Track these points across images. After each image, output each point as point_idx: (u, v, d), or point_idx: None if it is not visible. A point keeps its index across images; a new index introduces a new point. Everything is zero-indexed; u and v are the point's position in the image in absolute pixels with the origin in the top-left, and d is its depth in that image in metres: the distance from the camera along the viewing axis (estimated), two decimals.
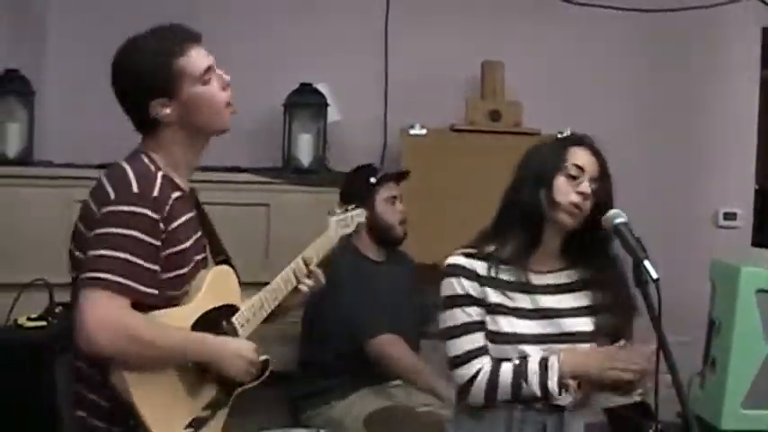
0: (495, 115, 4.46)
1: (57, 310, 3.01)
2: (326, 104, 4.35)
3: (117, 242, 2.09)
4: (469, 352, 2.36)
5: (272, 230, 4.05)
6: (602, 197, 2.43)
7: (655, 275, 2.19)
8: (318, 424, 3.52)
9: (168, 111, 2.24)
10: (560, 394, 2.34)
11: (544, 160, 2.43)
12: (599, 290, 2.48)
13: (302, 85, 4.32)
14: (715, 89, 5.18)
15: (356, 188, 3.66)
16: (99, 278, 2.06)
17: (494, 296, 2.38)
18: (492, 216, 2.51)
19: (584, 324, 2.46)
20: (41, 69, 4.36)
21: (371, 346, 3.46)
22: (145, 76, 2.23)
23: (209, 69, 2.28)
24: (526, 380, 2.31)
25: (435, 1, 4.78)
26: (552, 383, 2.32)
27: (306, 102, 4.34)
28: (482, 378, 2.33)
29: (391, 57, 4.71)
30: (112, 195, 2.15)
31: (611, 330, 2.47)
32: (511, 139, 4.30)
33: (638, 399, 3.32)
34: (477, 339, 2.37)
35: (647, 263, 2.22)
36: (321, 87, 4.35)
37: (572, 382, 2.37)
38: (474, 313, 2.37)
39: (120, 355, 2.07)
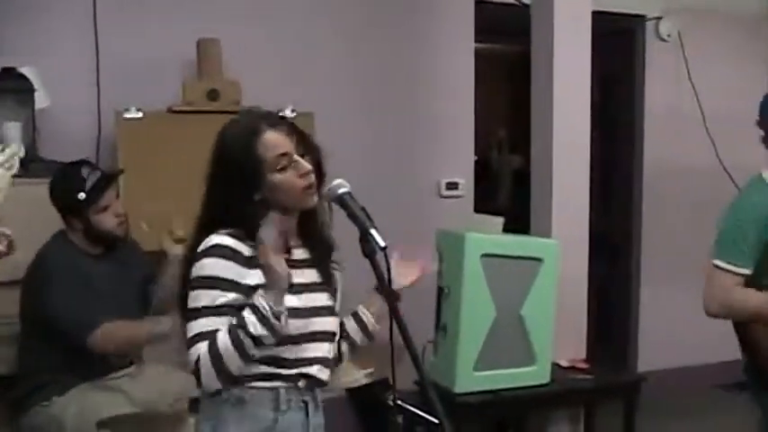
0: (213, 95, 4.30)
1: None
2: (33, 89, 4.04)
3: None
4: (201, 334, 2.21)
5: None
6: (316, 171, 2.34)
7: (383, 243, 2.16)
8: (38, 422, 3.36)
9: None
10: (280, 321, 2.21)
11: (241, 166, 2.26)
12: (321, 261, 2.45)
13: (5, 69, 4.00)
14: (434, 61, 5.32)
15: (67, 202, 3.43)
16: None
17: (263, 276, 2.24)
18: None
19: (329, 299, 2.42)
20: None
21: (92, 344, 3.29)
22: None
23: None
24: (244, 327, 2.18)
25: None
26: (267, 313, 2.17)
27: (10, 87, 4.02)
28: (204, 352, 2.20)
29: (102, 37, 4.44)
30: None
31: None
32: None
33: (367, 381, 3.35)
34: (213, 323, 2.21)
35: (373, 231, 2.18)
36: (26, 71, 4.03)
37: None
38: (226, 298, 2.21)
39: None
